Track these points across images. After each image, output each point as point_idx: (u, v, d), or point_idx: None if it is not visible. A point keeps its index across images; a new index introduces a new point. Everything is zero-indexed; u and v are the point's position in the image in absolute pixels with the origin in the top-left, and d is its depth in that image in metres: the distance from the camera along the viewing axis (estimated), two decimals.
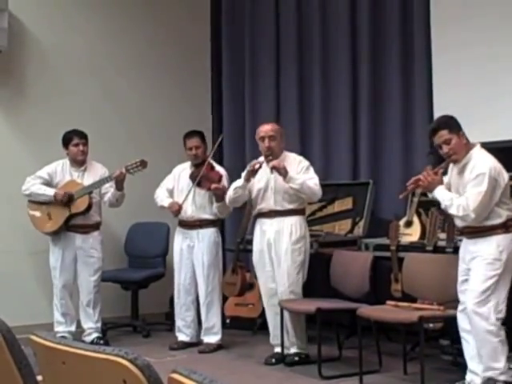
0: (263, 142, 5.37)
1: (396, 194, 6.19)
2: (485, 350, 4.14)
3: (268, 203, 5.38)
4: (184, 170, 6.00)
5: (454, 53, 5.80)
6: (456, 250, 4.99)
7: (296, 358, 5.32)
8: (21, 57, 6.75)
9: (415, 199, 5.72)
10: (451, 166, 4.42)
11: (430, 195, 4.58)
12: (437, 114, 5.91)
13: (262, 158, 5.41)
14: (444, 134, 4.27)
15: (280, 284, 5.34)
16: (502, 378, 4.15)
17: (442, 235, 5.23)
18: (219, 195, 5.72)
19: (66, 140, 6.05)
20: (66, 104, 6.89)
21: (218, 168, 5.98)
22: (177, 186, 6.00)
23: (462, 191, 4.25)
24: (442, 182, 4.36)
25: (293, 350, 5.36)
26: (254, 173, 5.30)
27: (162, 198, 6.00)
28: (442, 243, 5.17)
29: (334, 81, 6.84)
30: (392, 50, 6.41)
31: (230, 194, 5.46)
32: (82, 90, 7.02)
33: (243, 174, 5.41)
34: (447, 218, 5.21)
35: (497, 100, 5.36)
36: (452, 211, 4.24)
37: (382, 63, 6.50)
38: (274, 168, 5.21)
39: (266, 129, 5.43)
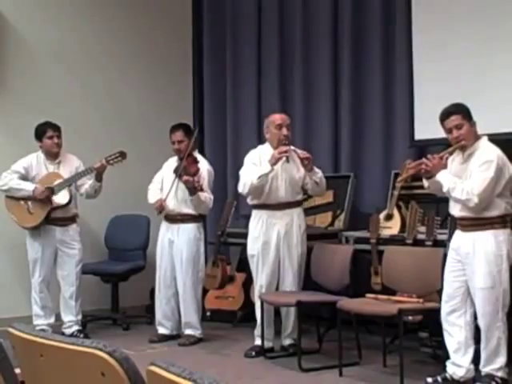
0: (280, 129, 5.28)
1: (376, 187, 6.31)
2: (490, 346, 4.17)
3: (278, 194, 5.32)
4: (172, 163, 5.95)
5: (434, 47, 5.82)
6: (435, 244, 5.03)
7: (291, 350, 5.33)
8: (1, 50, 6.68)
9: (395, 192, 5.74)
10: (452, 157, 4.37)
11: (426, 184, 4.48)
12: (417, 108, 5.95)
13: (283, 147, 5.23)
14: (457, 118, 4.26)
15: (288, 275, 5.35)
16: (500, 374, 4.19)
17: (422, 228, 5.26)
18: (190, 188, 5.67)
19: (40, 133, 5.98)
20: (44, 97, 6.82)
21: (203, 163, 5.90)
22: (165, 179, 5.96)
23: (465, 179, 4.22)
24: (446, 167, 4.31)
25: (288, 342, 5.40)
26: (280, 159, 5.18)
27: (152, 195, 5.96)
28: (421, 236, 5.20)
29: (315, 75, 6.84)
30: (373, 44, 6.41)
31: (253, 181, 5.19)
32: (60, 84, 6.96)
33: (267, 162, 5.22)
34: (427, 211, 5.25)
35: (483, 95, 5.39)
36: (455, 194, 4.19)
37: (363, 58, 6.50)
38: (307, 159, 5.19)
39: (283, 117, 5.38)
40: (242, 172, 5.43)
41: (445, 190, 4.25)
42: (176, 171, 5.79)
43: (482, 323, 4.21)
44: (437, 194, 4.54)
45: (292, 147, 5.30)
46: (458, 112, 4.28)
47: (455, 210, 4.35)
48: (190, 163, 5.74)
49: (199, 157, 5.96)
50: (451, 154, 4.37)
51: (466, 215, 4.26)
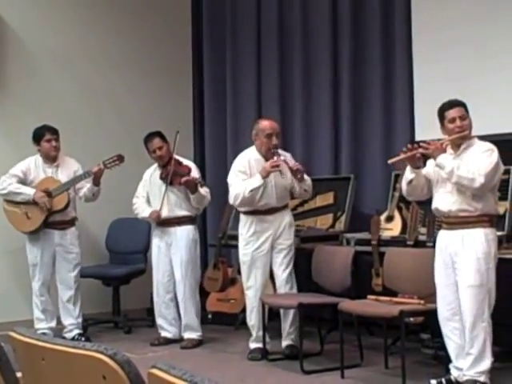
0: (270, 138, 5.30)
1: (377, 188, 6.31)
2: (476, 349, 4.13)
3: (269, 200, 5.34)
4: (155, 171, 5.97)
5: (434, 48, 5.82)
6: None
7: (287, 352, 5.32)
8: (0, 53, 6.69)
9: (396, 194, 5.74)
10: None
11: (409, 177, 4.41)
12: (418, 109, 5.96)
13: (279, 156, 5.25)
14: (462, 110, 4.33)
15: (281, 276, 5.37)
16: (482, 378, 4.13)
17: (423, 230, 5.26)
18: (191, 186, 5.70)
19: (38, 136, 5.98)
20: (43, 100, 6.84)
21: (186, 162, 5.96)
22: (150, 190, 5.98)
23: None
24: (445, 152, 4.31)
25: (286, 343, 5.38)
26: (271, 172, 5.22)
27: (142, 208, 5.98)
28: (422, 238, 5.20)
29: (315, 76, 6.83)
30: (373, 45, 6.40)
31: (245, 195, 5.23)
32: (60, 87, 6.98)
33: (257, 175, 5.25)
34: (428, 212, 5.24)
35: (479, 95, 5.39)
36: (461, 173, 4.14)
37: (362, 59, 6.49)
38: (298, 171, 5.22)
39: (273, 125, 5.38)
40: (230, 181, 5.42)
41: (448, 170, 4.19)
42: (164, 178, 5.80)
43: (467, 323, 4.16)
44: (415, 193, 4.49)
45: (282, 157, 5.28)
46: (462, 105, 4.35)
47: (444, 204, 4.29)
48: (177, 166, 5.76)
49: (180, 158, 5.96)
50: (450, 141, 4.35)
51: (455, 210, 4.22)
